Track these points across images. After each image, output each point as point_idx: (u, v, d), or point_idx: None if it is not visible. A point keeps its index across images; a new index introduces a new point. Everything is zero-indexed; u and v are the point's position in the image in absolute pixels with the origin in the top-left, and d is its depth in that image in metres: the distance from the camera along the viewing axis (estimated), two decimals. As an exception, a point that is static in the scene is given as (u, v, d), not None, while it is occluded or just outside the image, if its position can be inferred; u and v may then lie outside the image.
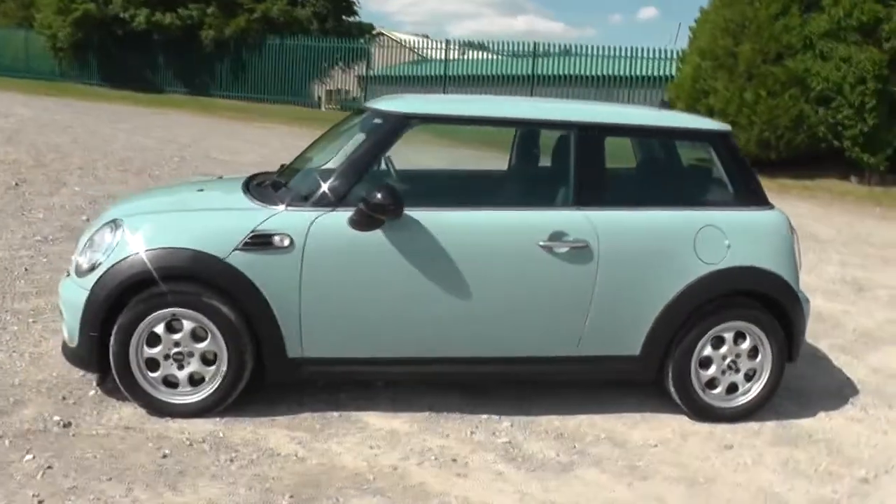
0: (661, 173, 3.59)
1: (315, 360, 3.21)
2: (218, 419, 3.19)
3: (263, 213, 3.14)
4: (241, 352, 3.13)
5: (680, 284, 3.33)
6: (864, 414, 3.72)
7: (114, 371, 3.13)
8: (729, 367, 3.46)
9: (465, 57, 20.40)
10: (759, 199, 3.53)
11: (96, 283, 3.07)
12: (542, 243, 3.22)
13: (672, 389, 3.46)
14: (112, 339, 3.08)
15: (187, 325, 3.11)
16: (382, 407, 3.40)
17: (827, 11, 12.33)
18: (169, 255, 3.05)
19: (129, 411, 3.21)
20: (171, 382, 3.17)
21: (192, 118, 16.85)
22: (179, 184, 4.25)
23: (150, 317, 3.08)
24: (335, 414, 3.32)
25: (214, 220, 3.17)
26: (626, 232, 3.30)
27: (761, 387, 3.50)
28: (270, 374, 3.21)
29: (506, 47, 19.87)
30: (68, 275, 3.32)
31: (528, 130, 3.55)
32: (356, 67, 22.51)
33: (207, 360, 3.16)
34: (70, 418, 3.12)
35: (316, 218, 3.11)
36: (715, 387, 3.48)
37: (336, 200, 3.15)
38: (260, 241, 3.07)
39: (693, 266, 3.34)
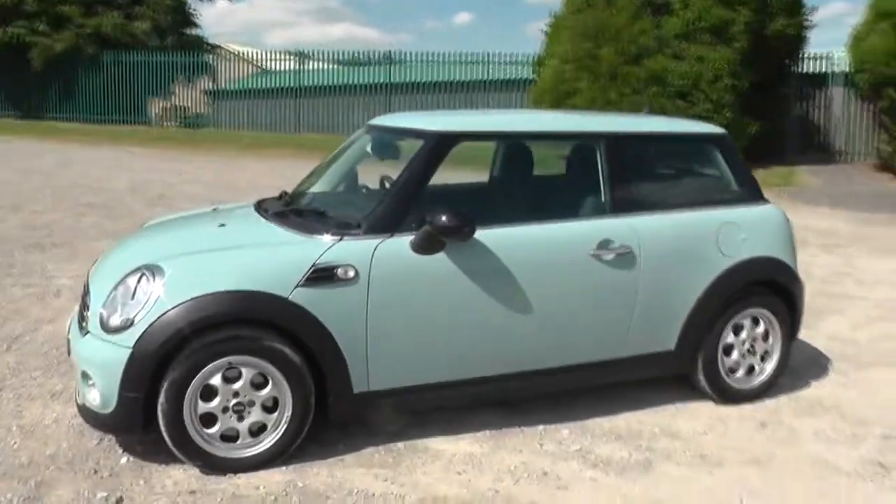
0: (680, 177, 3.79)
1: (382, 393, 3.07)
2: (284, 468, 2.98)
3: (318, 244, 2.96)
4: (307, 394, 2.94)
5: (708, 279, 3.53)
6: (847, 378, 4.12)
7: (165, 432, 2.83)
8: (748, 351, 3.72)
9: (315, 68, 20.10)
10: (759, 195, 3.82)
11: (141, 338, 2.75)
12: (591, 252, 3.29)
13: (701, 378, 3.65)
14: (162, 397, 2.79)
15: (246, 372, 2.88)
16: (440, 431, 3.31)
17: (678, 15, 13.45)
18: (224, 299, 2.80)
19: (180, 474, 2.92)
20: (227, 436, 2.92)
21: (39, 145, 15.40)
22: (174, 219, 3.89)
23: (205, 368, 2.81)
24: (399, 445, 3.20)
25: (268, 257, 2.95)
26: (661, 235, 3.45)
27: (774, 366, 3.78)
28: (335, 412, 3.04)
29: (358, 56, 19.83)
30: (85, 332, 2.95)
31: (560, 143, 3.60)
32: (200, 82, 21.51)
33: (267, 406, 2.94)
34: (118, 492, 2.79)
35: (377, 245, 2.99)
36: (736, 371, 3.72)
37: (394, 226, 3.04)
38: (323, 275, 2.90)
39: (718, 261, 3.56)
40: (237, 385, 2.88)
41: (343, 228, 3.05)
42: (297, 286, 2.86)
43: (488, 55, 18.03)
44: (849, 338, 4.80)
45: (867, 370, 4.22)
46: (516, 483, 2.94)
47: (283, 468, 2.97)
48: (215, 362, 2.81)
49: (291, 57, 20.39)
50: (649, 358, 3.54)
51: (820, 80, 14.78)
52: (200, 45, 23.08)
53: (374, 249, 2.97)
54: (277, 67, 21.01)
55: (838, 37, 15.13)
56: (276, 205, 3.61)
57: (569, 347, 3.36)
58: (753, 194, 3.80)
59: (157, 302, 2.78)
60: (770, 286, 3.71)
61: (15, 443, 3.17)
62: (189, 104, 21.82)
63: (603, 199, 3.42)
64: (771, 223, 3.75)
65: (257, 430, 2.94)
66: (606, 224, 3.36)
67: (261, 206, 3.59)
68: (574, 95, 14.23)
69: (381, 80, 18.85)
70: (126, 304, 2.85)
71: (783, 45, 13.82)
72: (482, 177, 3.95)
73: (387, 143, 3.61)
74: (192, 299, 2.77)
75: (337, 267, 2.91)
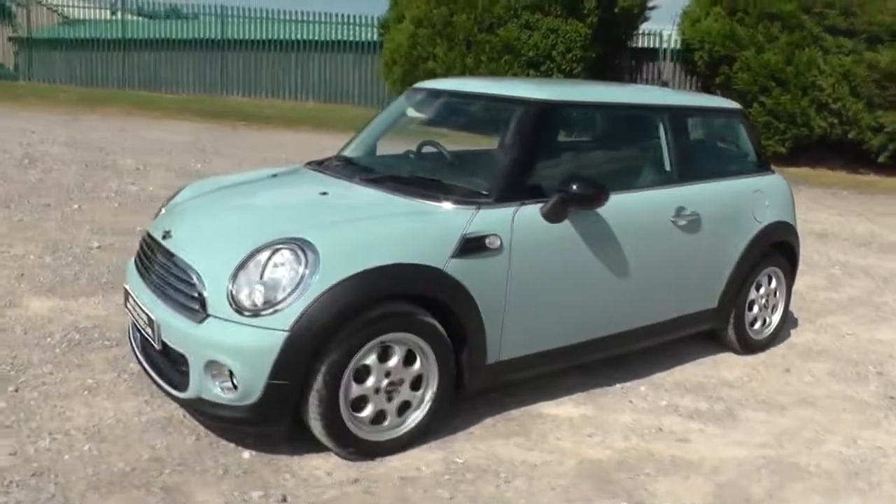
0: (719, 147, 4.08)
1: (510, 363, 3.07)
2: (426, 446, 2.89)
3: (462, 214, 2.86)
4: (450, 369, 2.87)
5: (745, 241, 3.89)
6: (814, 325, 4.71)
7: (318, 420, 2.64)
8: (763, 305, 4.17)
9: (139, 20, 18.27)
10: (769, 165, 4.25)
11: (299, 319, 2.52)
12: (671, 218, 3.50)
13: (731, 331, 4.03)
14: (319, 381, 2.59)
15: (399, 350, 2.74)
16: (538, 396, 3.37)
17: (531, -14, 13.94)
18: (384, 274, 2.64)
19: (323, 463, 2.74)
20: (374, 419, 2.77)
21: None
22: (236, 184, 3.51)
23: (364, 348, 2.65)
24: (514, 413, 3.24)
25: (417, 228, 2.80)
26: (716, 201, 3.73)
27: (779, 317, 4.27)
28: (471, 385, 2.99)
29: (189, 9, 18.29)
30: (202, 317, 2.62)
31: (636, 114, 3.71)
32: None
33: (412, 384, 2.83)
34: (275, 490, 2.57)
35: (514, 214, 2.95)
36: (754, 324, 4.15)
37: (521, 194, 3.01)
38: (473, 245, 2.83)
39: (752, 225, 3.92)
40: (391, 363, 2.74)
41: (469, 197, 2.98)
42: (451, 257, 2.77)
43: (330, 15, 17.47)
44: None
45: (823, 318, 4.87)
46: (644, 440, 3.11)
47: (427, 446, 2.90)
48: (373, 341, 2.66)
49: (105, 8, 18.32)
50: (700, 315, 3.84)
51: (652, 55, 16.13)
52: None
53: (513, 218, 2.94)
54: (87, 16, 18.77)
55: (661, 15, 16.51)
56: (349, 169, 3.41)
57: (652, 308, 3.57)
58: (767, 164, 4.22)
59: (314, 279, 2.55)
60: (781, 247, 4.16)
61: (91, 449, 2.77)
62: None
63: (672, 168, 3.63)
64: (783, 191, 4.19)
65: (404, 410, 2.83)
66: (678, 192, 3.58)
67: (339, 170, 3.37)
68: (429, 60, 14.34)
69: (215, 37, 17.57)
70: (271, 281, 2.58)
71: (625, 21, 14.89)
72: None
73: (456, 108, 3.53)
74: (352, 275, 2.58)
75: (486, 236, 2.85)
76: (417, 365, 2.80)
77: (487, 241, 2.85)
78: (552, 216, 3.02)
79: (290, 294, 2.53)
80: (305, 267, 2.56)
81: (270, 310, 2.54)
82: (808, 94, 11.70)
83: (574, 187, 2.98)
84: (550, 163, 3.14)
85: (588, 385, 3.55)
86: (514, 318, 3.00)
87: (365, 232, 2.74)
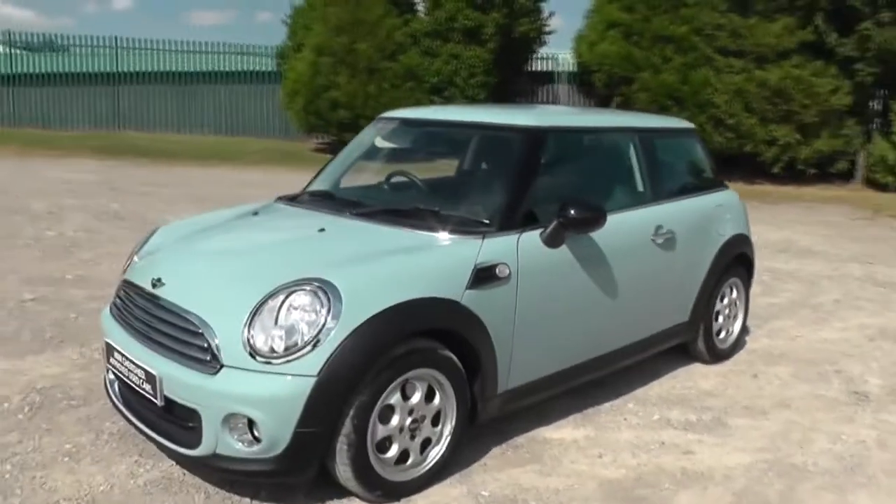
0: (681, 166, 4.21)
1: (517, 390, 3.05)
2: (446, 483, 2.82)
3: (470, 244, 2.83)
4: (466, 401, 2.82)
5: (712, 255, 4.04)
6: (765, 331, 4.92)
7: (347, 465, 2.52)
8: (727, 315, 4.34)
9: (26, 54, 17.21)
10: (721, 181, 4.44)
11: (328, 363, 2.41)
12: (651, 237, 3.60)
13: (700, 343, 4.16)
14: (348, 426, 2.48)
15: (420, 386, 2.67)
16: (535, 422, 3.36)
17: (431, 14, 14.15)
18: (408, 311, 2.58)
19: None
20: (398, 459, 2.68)
21: None
22: (222, 223, 3.33)
23: (389, 387, 2.56)
24: (518, 440, 3.21)
25: (430, 262, 2.75)
26: (687, 218, 3.87)
27: (739, 325, 4.46)
28: (483, 415, 2.94)
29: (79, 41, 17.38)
30: (215, 368, 2.46)
31: (613, 137, 3.78)
32: None
33: (432, 420, 2.77)
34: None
35: (518, 241, 2.95)
36: (720, 333, 4.31)
37: (520, 221, 3.02)
38: (484, 275, 2.80)
39: (717, 239, 4.08)
40: (413, 401, 2.66)
41: (471, 226, 2.96)
42: (466, 288, 2.73)
43: (226, 45, 17.11)
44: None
45: (771, 323, 5.12)
46: (651, 456, 3.15)
47: (447, 482, 2.83)
48: (398, 379, 2.58)
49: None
50: (675, 329, 3.95)
51: (547, 78, 16.68)
52: None
53: (517, 246, 2.94)
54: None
55: (554, 39, 17.14)
56: (333, 203, 3.32)
57: (638, 325, 3.64)
58: (719, 180, 4.42)
59: (338, 320, 2.45)
60: (740, 258, 4.35)
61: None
62: None
63: (646, 188, 3.74)
64: (737, 205, 4.39)
65: (423, 447, 2.75)
66: (654, 211, 3.68)
67: (323, 205, 3.28)
68: (332, 89, 14.25)
69: (107, 70, 16.76)
70: (291, 325, 2.45)
71: (523, 46, 15.36)
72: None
73: (433, 136, 3.51)
74: (376, 314, 2.49)
75: (496, 265, 2.83)
76: (437, 400, 2.73)
77: (497, 269, 2.83)
78: (552, 241, 3.03)
79: (313, 337, 2.42)
80: (328, 308, 2.46)
81: (294, 355, 2.41)
82: (705, 111, 12.41)
83: (572, 212, 3.01)
84: (544, 188, 3.16)
85: (579, 406, 3.57)
86: (521, 345, 2.98)
87: (382, 268, 2.66)
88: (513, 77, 15.69)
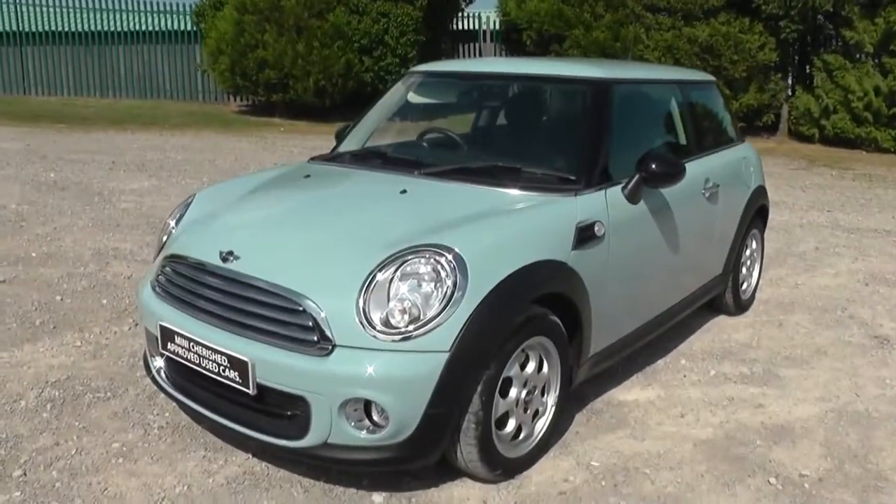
0: (712, 120, 4.14)
1: (601, 353, 2.93)
2: (550, 456, 2.69)
3: (568, 202, 2.66)
4: (567, 367, 2.67)
5: (742, 207, 4.04)
6: (766, 280, 4.93)
7: (473, 445, 2.34)
8: (748, 266, 4.36)
9: None
10: (741, 134, 4.43)
11: (460, 337, 2.20)
12: (702, 190, 3.53)
13: (729, 294, 4.17)
14: (476, 402, 2.30)
15: (533, 355, 2.51)
16: (604, 384, 3.27)
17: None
18: (529, 274, 2.40)
19: (472, 492, 2.47)
20: (513, 434, 2.53)
21: None
22: (277, 185, 3.02)
23: (510, 359, 2.38)
24: (596, 404, 3.12)
25: (541, 222, 2.57)
26: (725, 171, 3.83)
27: (758, 274, 4.51)
28: (575, 380, 2.81)
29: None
30: (327, 348, 2.20)
31: (662, 89, 3.63)
32: None
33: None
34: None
35: (606, 198, 2.80)
36: (742, 284, 4.34)
37: (603, 177, 2.87)
38: (585, 235, 2.64)
39: (745, 191, 4.08)
40: (528, 371, 2.50)
41: (561, 184, 2.78)
42: (571, 249, 2.57)
43: (138, 3, 15.83)
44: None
45: (767, 272, 5.19)
46: (728, 412, 3.12)
47: (550, 455, 2.70)
48: (518, 349, 2.40)
49: None
50: (713, 282, 3.92)
51: (472, 37, 16.43)
52: None
53: (606, 202, 2.79)
54: None
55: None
56: (393, 162, 3.06)
57: (692, 279, 3.61)
58: (740, 133, 4.41)
59: (466, 289, 2.23)
60: (760, 210, 4.38)
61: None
62: None
63: (691, 140, 3.66)
64: (755, 157, 4.40)
65: (532, 419, 2.60)
66: (701, 164, 3.61)
67: (380, 164, 3.04)
68: (258, 48, 13.51)
69: (10, 29, 15.19)
70: (414, 296, 2.22)
71: (451, 4, 15.02)
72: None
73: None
74: (502, 281, 2.30)
75: (594, 223, 2.68)
76: (545, 369, 2.58)
77: (595, 228, 2.69)
78: (632, 196, 2.91)
79: (442, 309, 2.20)
80: (454, 276, 2.24)
81: (420, 330, 2.19)
82: (638, 68, 12.54)
83: (654, 166, 2.89)
84: (617, 143, 3.02)
85: (636, 366, 3.51)
86: (608, 305, 2.86)
87: (497, 232, 2.46)
88: (439, 36, 15.36)
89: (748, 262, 4.34)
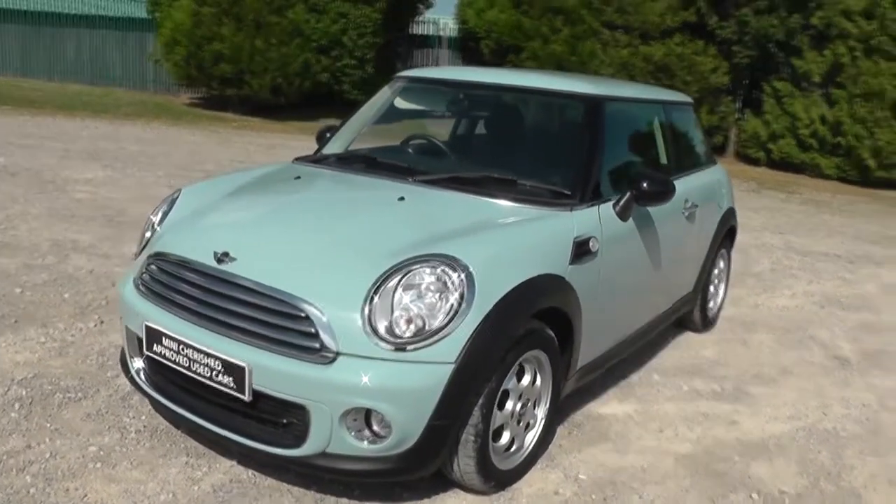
0: (689, 140, 4.21)
1: (586, 367, 2.95)
2: (538, 468, 2.69)
3: (565, 217, 2.67)
4: (558, 381, 2.68)
5: (714, 227, 4.14)
6: (727, 299, 5.20)
7: (474, 457, 2.34)
8: (716, 284, 4.47)
9: None
10: (713, 156, 4.54)
11: (468, 348, 2.18)
12: (682, 209, 3.60)
13: (697, 312, 4.27)
14: (476, 415, 2.29)
15: (528, 368, 2.51)
16: (580, 399, 3.29)
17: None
18: (532, 287, 2.41)
19: (457, 502, 2.42)
20: (506, 446, 2.53)
21: None
22: (266, 186, 2.92)
23: (510, 371, 2.38)
24: (576, 416, 3.15)
25: (541, 236, 2.57)
26: (702, 191, 3.91)
27: (723, 292, 4.63)
28: (562, 393, 2.82)
29: None
30: (329, 357, 2.15)
31: (646, 108, 3.68)
32: None
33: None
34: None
35: (599, 214, 2.82)
36: (709, 302, 4.44)
37: (596, 193, 2.89)
38: (581, 250, 2.66)
39: (717, 212, 4.19)
40: (524, 384, 2.49)
41: (557, 198, 2.80)
42: (569, 264, 2.58)
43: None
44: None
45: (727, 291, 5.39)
46: (704, 428, 3.18)
47: (537, 467, 2.70)
48: (516, 362, 2.40)
49: None
50: (684, 299, 4.00)
51: (429, 42, 16.46)
52: None
53: (599, 218, 2.82)
54: None
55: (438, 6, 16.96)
56: (386, 168, 3.02)
57: (667, 296, 3.67)
58: (713, 156, 4.52)
59: (473, 300, 2.22)
60: (730, 230, 4.49)
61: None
62: None
63: (671, 161, 3.73)
64: (727, 179, 4.51)
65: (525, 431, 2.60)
66: (680, 184, 3.66)
67: (373, 169, 3.00)
68: (214, 41, 13.25)
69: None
70: (420, 306, 2.19)
71: (409, 8, 15.01)
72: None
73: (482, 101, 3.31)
74: (507, 293, 2.30)
75: (589, 239, 2.70)
76: (538, 381, 2.59)
77: (590, 243, 2.71)
78: (623, 213, 2.94)
79: (449, 320, 2.18)
80: (460, 288, 2.22)
81: (426, 340, 2.17)
82: (595, 83, 12.75)
83: (645, 185, 2.93)
84: (608, 159, 3.05)
85: (612, 380, 3.55)
86: (596, 320, 2.89)
87: (502, 244, 2.45)
88: (396, 40, 15.33)
89: (716, 281, 4.45)
